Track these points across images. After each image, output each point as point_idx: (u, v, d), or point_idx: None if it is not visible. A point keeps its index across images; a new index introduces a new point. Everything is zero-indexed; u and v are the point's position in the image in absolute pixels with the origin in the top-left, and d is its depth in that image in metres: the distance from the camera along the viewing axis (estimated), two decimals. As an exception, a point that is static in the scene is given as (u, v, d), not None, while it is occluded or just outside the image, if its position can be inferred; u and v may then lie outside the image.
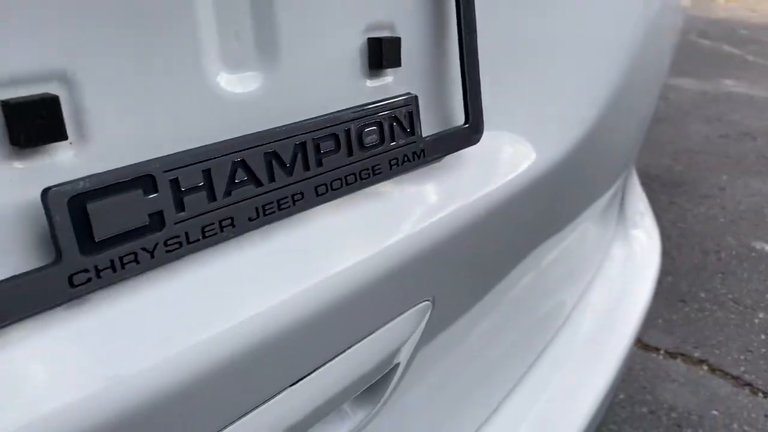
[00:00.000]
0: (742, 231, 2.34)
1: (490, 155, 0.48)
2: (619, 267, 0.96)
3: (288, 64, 0.34)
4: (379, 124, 0.38)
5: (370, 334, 0.40)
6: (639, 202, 1.13)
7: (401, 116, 0.39)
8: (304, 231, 0.36)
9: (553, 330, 0.85)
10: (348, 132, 0.36)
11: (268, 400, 0.35)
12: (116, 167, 0.27)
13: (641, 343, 1.70)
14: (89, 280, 0.26)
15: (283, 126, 0.33)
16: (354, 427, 0.45)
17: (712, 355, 1.68)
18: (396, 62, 0.40)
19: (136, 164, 0.27)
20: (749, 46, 5.91)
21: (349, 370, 0.40)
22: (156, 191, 0.28)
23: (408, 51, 0.40)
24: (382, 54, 0.39)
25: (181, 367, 0.29)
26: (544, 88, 0.55)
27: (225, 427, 0.34)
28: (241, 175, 0.31)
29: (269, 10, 0.33)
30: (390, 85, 0.40)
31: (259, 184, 0.32)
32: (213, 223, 0.30)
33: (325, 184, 0.35)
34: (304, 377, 0.37)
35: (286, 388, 0.36)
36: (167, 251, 0.29)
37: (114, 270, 0.27)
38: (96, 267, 0.26)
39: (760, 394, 1.55)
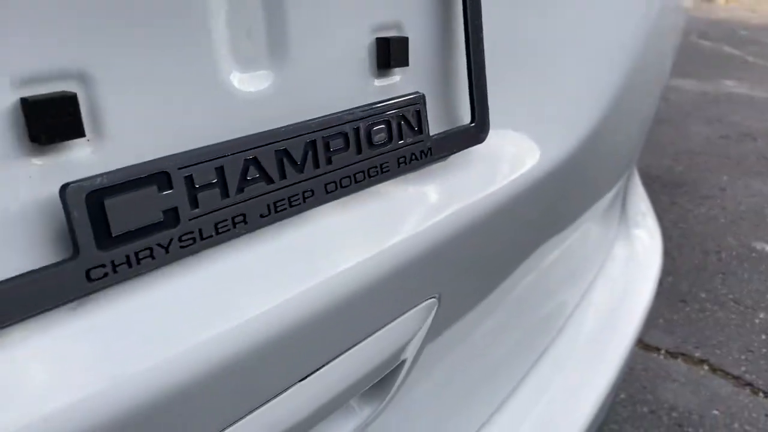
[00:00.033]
0: (743, 231, 2.35)
1: (495, 154, 0.49)
2: (621, 266, 0.97)
3: (298, 63, 0.35)
4: (388, 123, 0.38)
5: (378, 331, 0.40)
6: (641, 202, 1.13)
7: (409, 115, 0.40)
8: (313, 228, 0.37)
9: (555, 329, 0.86)
10: (357, 130, 0.37)
11: (279, 395, 0.36)
12: (132, 164, 0.27)
13: (642, 343, 1.71)
14: (106, 275, 0.27)
15: (294, 124, 0.34)
16: (361, 422, 0.45)
17: (712, 355, 1.69)
18: (404, 62, 0.40)
19: (151, 161, 0.28)
20: (749, 47, 5.91)
21: (357, 366, 0.40)
22: (171, 188, 0.28)
23: (415, 50, 0.41)
24: (390, 53, 0.39)
25: (193, 363, 0.30)
26: (548, 89, 0.55)
27: (236, 422, 0.34)
28: (253, 173, 0.31)
29: (280, 10, 0.33)
30: (398, 84, 0.41)
31: (270, 181, 0.32)
32: (226, 220, 0.31)
33: (335, 182, 0.36)
34: (314, 373, 0.37)
35: (295, 384, 0.36)
36: (181, 247, 0.29)
37: (129, 265, 0.27)
38: (112, 262, 0.27)
39: (761, 394, 1.55)
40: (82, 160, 0.27)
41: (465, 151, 0.45)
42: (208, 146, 0.30)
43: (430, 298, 0.45)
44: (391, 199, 0.41)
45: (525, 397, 0.74)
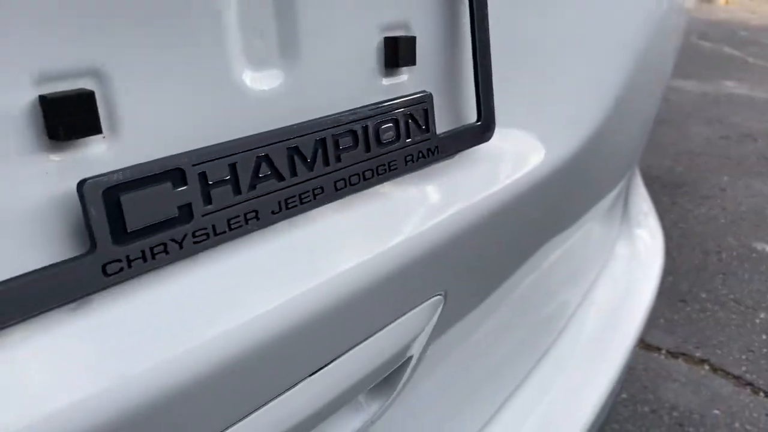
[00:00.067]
0: (743, 232, 2.35)
1: (500, 153, 0.49)
2: (623, 265, 0.97)
3: (309, 62, 0.35)
4: (396, 121, 0.39)
5: (386, 326, 0.41)
6: (643, 202, 1.14)
7: (416, 114, 0.40)
8: (322, 226, 0.37)
9: (557, 328, 0.86)
10: (366, 129, 0.37)
11: (290, 389, 0.36)
12: (148, 160, 0.28)
13: (643, 343, 1.71)
14: (121, 269, 0.27)
15: (305, 122, 0.34)
16: (369, 418, 0.46)
17: (713, 355, 1.69)
18: (411, 61, 0.40)
19: (167, 158, 0.28)
20: (749, 48, 5.92)
21: (366, 362, 0.40)
22: (185, 184, 0.29)
23: (422, 50, 0.41)
24: (398, 53, 0.39)
25: (206, 358, 0.30)
26: (552, 88, 0.56)
27: (247, 416, 0.35)
28: (264, 170, 0.32)
29: (291, 11, 0.33)
30: (405, 83, 0.41)
31: (281, 178, 0.33)
32: (238, 216, 0.31)
33: (344, 179, 0.36)
34: (323, 368, 0.38)
35: (306, 378, 0.37)
36: (195, 242, 0.30)
37: (144, 260, 0.28)
38: (128, 257, 0.27)
39: (762, 394, 1.56)
40: (97, 156, 0.28)
41: (470, 149, 0.45)
42: (221, 143, 0.30)
43: (437, 295, 0.46)
44: (398, 198, 0.42)
45: (527, 396, 0.74)
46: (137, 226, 0.27)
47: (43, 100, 0.25)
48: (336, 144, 0.35)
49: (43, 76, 0.25)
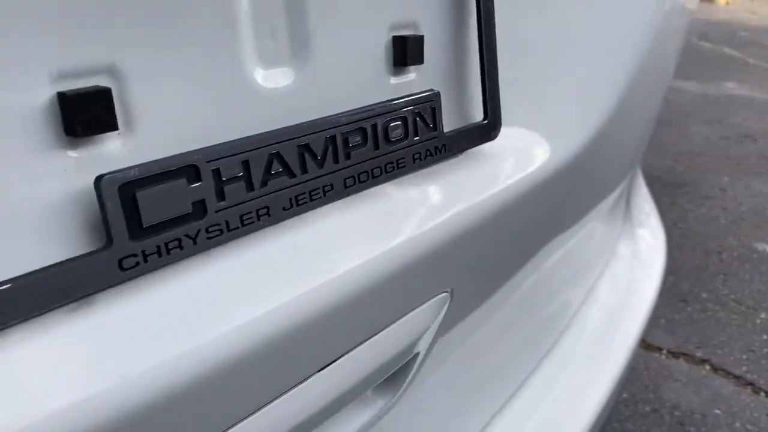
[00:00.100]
0: (744, 232, 2.35)
1: (506, 152, 0.50)
2: (626, 265, 0.98)
3: (318, 61, 0.36)
4: (404, 120, 0.39)
5: (394, 323, 0.41)
6: (645, 202, 1.14)
7: (424, 112, 0.40)
8: (331, 223, 0.38)
9: (560, 327, 0.86)
10: (375, 126, 0.37)
11: (299, 384, 0.36)
12: (163, 157, 0.28)
13: (644, 343, 1.72)
14: (137, 264, 0.28)
15: (315, 120, 0.34)
16: (376, 413, 0.46)
17: (714, 355, 1.69)
18: (419, 60, 0.41)
19: (181, 154, 0.29)
20: (750, 49, 5.93)
21: (374, 357, 0.41)
22: (199, 180, 0.29)
23: (430, 49, 0.42)
24: (406, 52, 0.40)
25: (220, 352, 0.31)
26: (557, 88, 0.56)
27: (257, 410, 0.35)
28: (276, 167, 0.32)
29: (302, 11, 0.34)
30: (413, 81, 0.42)
31: (292, 175, 0.33)
32: (251, 212, 0.32)
33: (353, 177, 0.37)
34: (332, 363, 0.38)
35: (314, 374, 0.37)
36: (208, 238, 0.30)
37: (159, 255, 0.28)
38: (143, 252, 0.28)
39: (762, 394, 1.56)
40: (113, 153, 0.28)
41: (476, 148, 0.46)
42: (234, 140, 0.31)
43: (443, 292, 0.46)
44: (406, 196, 0.42)
45: (530, 394, 0.75)
46: (153, 222, 0.28)
47: (62, 96, 0.25)
48: (346, 142, 0.36)
49: (62, 73, 0.26)
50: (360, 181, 0.37)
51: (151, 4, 0.28)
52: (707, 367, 1.65)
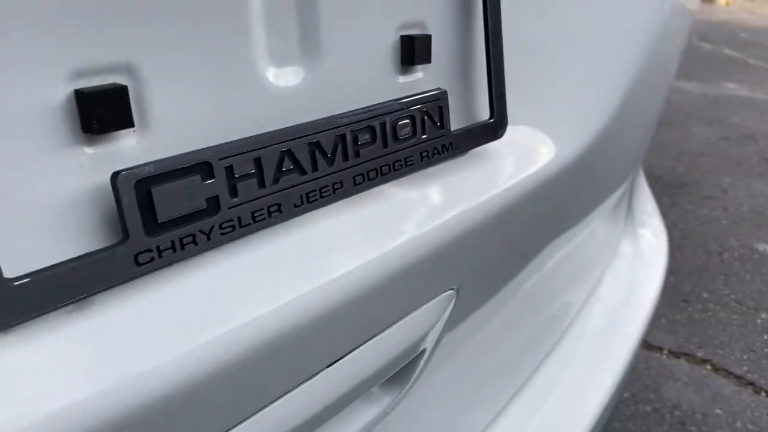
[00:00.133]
0: (744, 232, 2.36)
1: (511, 150, 0.50)
2: (628, 265, 0.98)
3: (328, 60, 0.36)
4: (412, 118, 0.40)
5: (401, 319, 0.41)
6: (647, 202, 1.15)
7: (432, 110, 0.41)
8: (339, 220, 0.38)
9: (563, 326, 0.87)
10: (383, 125, 0.38)
11: (306, 381, 0.37)
12: (178, 154, 0.29)
13: (645, 343, 1.72)
14: (152, 259, 0.28)
15: (325, 118, 0.35)
16: (382, 410, 0.46)
17: (715, 355, 1.70)
18: (426, 59, 0.41)
19: (195, 151, 0.29)
20: (750, 50, 5.94)
21: (381, 353, 0.41)
22: (213, 177, 0.29)
23: (437, 48, 0.42)
24: (414, 51, 0.40)
25: (228, 348, 0.31)
26: (562, 88, 0.57)
27: (266, 407, 0.35)
28: (287, 164, 0.33)
29: (313, 11, 0.34)
30: (420, 80, 0.42)
31: (303, 172, 0.34)
32: (262, 209, 0.32)
33: (362, 174, 0.37)
34: (339, 360, 0.38)
35: (323, 370, 0.38)
36: (221, 234, 0.30)
37: (174, 250, 0.29)
38: (158, 247, 0.28)
39: (763, 393, 1.56)
40: (128, 149, 0.28)
41: (481, 147, 0.46)
42: (246, 138, 0.31)
43: (449, 289, 0.46)
44: (413, 194, 0.43)
45: (534, 393, 0.75)
46: (168, 217, 0.28)
47: (79, 94, 0.26)
48: (355, 140, 0.36)
49: (79, 71, 0.26)
50: (369, 179, 0.38)
51: (166, 4, 0.28)
52: (708, 367, 1.66)
